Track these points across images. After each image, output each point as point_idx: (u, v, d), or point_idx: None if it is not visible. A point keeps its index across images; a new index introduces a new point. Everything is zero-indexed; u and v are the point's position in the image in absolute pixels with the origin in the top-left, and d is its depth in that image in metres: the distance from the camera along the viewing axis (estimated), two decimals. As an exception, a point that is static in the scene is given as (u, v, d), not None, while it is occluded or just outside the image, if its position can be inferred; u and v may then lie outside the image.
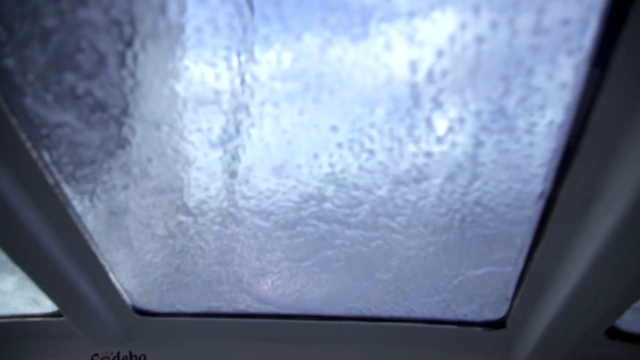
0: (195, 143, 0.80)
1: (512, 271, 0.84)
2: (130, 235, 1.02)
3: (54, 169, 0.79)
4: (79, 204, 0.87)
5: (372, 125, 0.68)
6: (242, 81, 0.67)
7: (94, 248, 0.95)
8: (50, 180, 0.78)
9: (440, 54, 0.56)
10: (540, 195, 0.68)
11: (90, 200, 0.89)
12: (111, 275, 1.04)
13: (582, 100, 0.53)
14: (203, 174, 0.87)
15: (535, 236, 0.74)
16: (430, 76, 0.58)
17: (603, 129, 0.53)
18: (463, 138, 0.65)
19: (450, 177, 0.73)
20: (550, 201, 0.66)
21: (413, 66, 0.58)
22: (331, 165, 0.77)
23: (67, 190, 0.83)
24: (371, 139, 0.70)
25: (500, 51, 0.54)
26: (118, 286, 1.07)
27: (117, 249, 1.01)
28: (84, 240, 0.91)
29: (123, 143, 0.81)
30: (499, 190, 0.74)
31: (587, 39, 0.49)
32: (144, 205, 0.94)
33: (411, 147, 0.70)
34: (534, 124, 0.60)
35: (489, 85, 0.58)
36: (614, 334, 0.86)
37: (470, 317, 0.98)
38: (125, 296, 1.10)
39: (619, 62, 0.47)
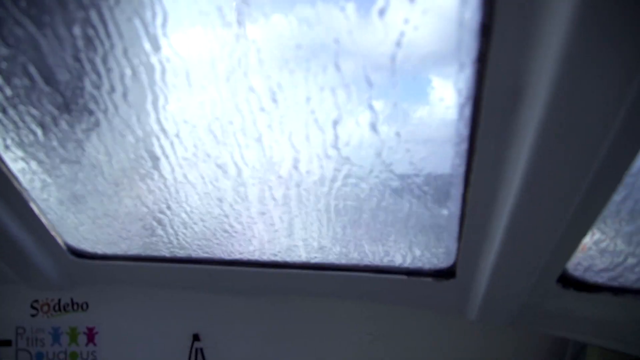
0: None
1: (452, 217, 0.78)
2: (63, 175, 0.94)
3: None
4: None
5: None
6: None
7: (19, 188, 0.87)
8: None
9: None
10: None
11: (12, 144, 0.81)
12: (42, 217, 0.97)
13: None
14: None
15: (465, 176, 0.67)
16: None
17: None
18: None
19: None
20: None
21: None
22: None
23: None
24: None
25: None
26: (49, 227, 1.00)
27: (47, 188, 0.94)
28: (9, 182, 0.84)
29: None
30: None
31: None
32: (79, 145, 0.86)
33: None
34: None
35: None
36: (567, 282, 0.79)
37: (419, 266, 0.91)
38: (58, 238, 1.03)
39: None
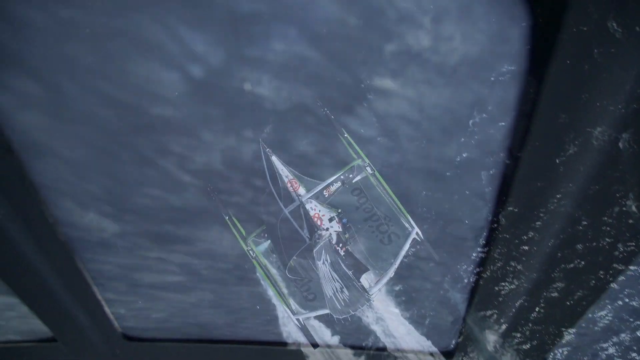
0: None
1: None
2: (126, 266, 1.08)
3: (54, 208, 0.87)
4: (77, 243, 0.94)
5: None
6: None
7: (88, 279, 1.02)
8: (51, 219, 0.87)
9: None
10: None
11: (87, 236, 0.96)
12: (103, 304, 1.10)
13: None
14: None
15: None
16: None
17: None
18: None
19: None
20: None
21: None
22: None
23: (66, 229, 0.91)
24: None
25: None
26: (109, 314, 1.13)
27: (111, 279, 1.07)
28: (79, 272, 0.99)
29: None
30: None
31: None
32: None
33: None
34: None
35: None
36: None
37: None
38: (116, 323, 1.16)
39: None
